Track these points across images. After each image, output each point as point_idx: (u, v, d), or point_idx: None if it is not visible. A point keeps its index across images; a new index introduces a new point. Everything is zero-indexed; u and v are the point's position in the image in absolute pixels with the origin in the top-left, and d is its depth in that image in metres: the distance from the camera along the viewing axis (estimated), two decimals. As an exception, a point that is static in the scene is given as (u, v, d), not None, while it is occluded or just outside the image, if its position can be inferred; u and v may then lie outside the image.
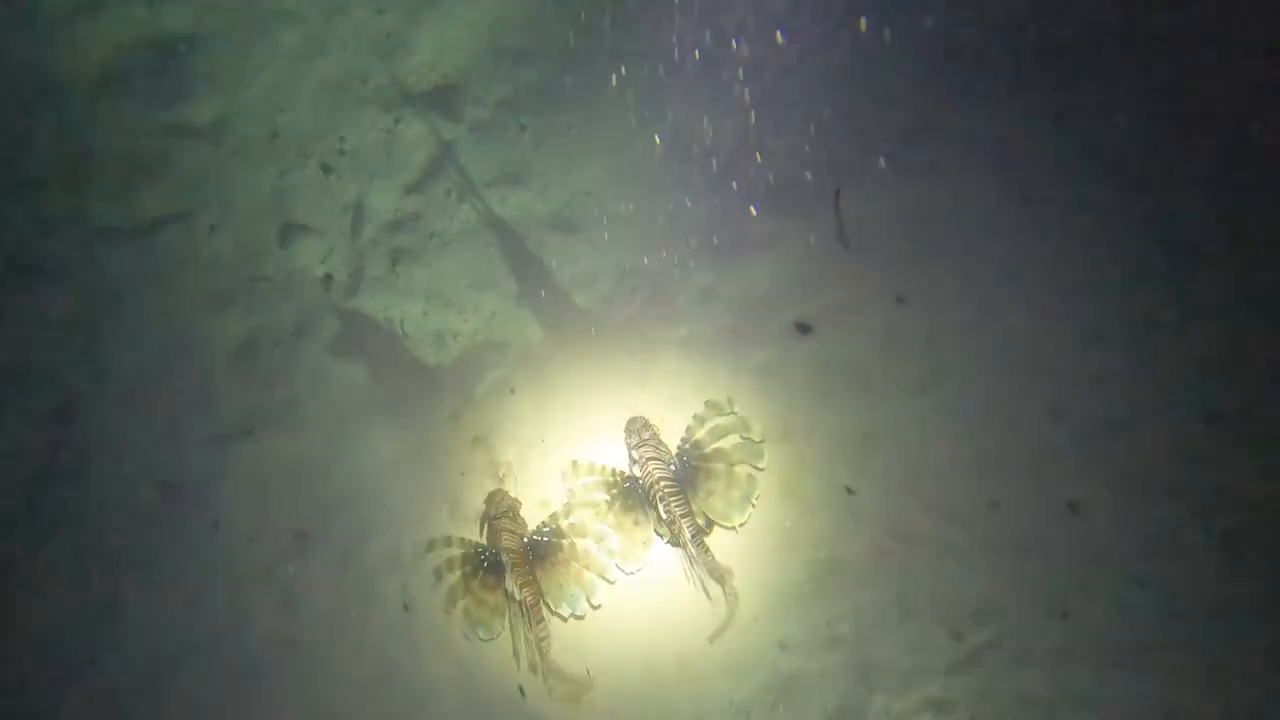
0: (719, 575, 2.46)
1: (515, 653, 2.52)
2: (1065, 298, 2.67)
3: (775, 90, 2.80)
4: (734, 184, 2.76)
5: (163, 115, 2.82)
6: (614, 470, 2.62)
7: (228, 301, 2.84)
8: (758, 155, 2.76)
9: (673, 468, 2.55)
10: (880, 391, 2.65)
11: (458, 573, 2.59)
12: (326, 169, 2.89)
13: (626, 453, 2.63)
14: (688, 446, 2.59)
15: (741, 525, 2.51)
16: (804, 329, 2.72)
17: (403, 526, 2.76)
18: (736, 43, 2.79)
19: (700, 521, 2.50)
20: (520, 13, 2.91)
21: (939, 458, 2.59)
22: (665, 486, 2.51)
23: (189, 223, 2.84)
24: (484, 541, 2.64)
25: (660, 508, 2.52)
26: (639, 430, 2.62)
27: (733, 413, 2.55)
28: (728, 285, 2.79)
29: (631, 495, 2.58)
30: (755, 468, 2.52)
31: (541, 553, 2.59)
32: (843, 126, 2.76)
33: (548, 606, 2.54)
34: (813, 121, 2.76)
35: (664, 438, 2.64)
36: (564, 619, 2.55)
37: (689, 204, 2.80)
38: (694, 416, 2.59)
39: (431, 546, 2.62)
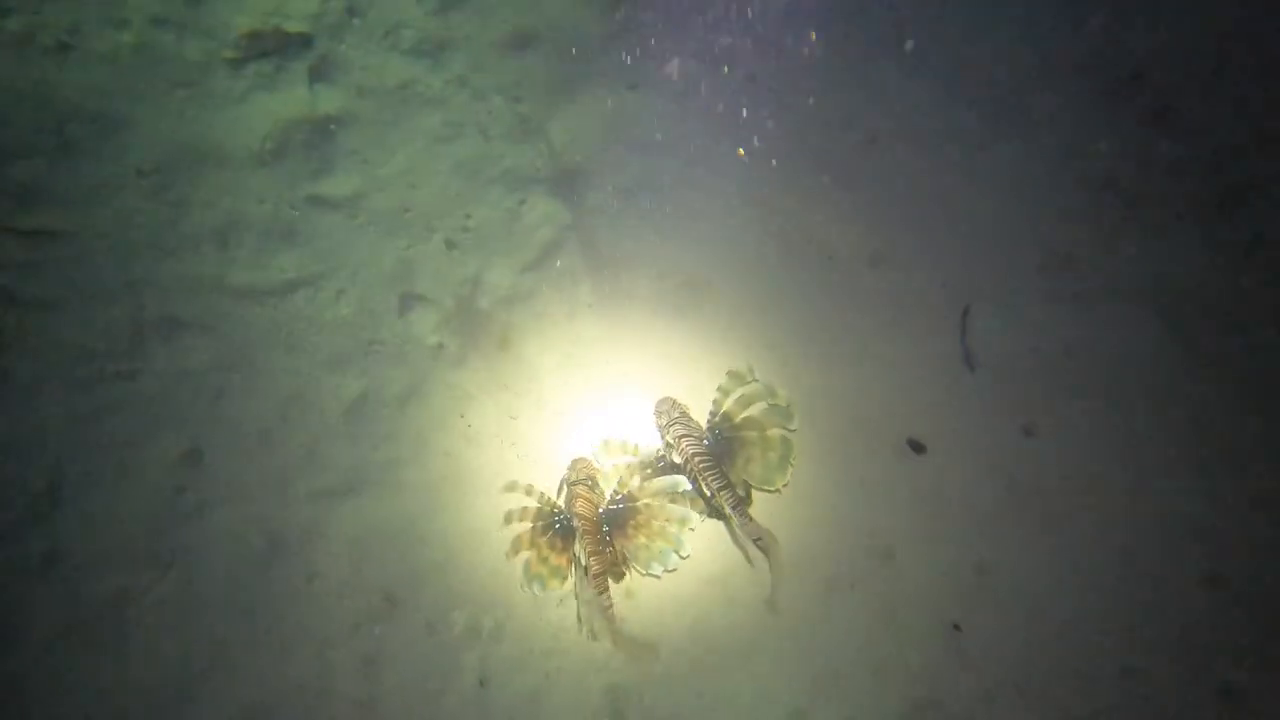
0: (763, 542, 2.45)
1: (578, 618, 2.55)
2: (1230, 458, 2.41)
3: (912, 196, 2.72)
4: (858, 287, 2.68)
5: (307, 186, 3.01)
6: (638, 460, 2.64)
7: (345, 363, 2.97)
8: (887, 263, 2.68)
9: (706, 442, 2.54)
10: (998, 525, 2.46)
11: (528, 524, 2.64)
12: (450, 244, 2.99)
13: (658, 433, 2.64)
14: (717, 419, 2.60)
15: (785, 486, 2.50)
16: (917, 448, 2.56)
17: (487, 601, 2.76)
18: (875, 145, 2.73)
19: (740, 492, 2.50)
20: (648, 108, 2.96)
21: (1062, 606, 2.36)
22: (700, 462, 2.49)
23: (318, 287, 3.00)
24: (560, 504, 2.66)
25: (701, 483, 2.50)
26: (668, 410, 2.63)
27: (755, 380, 2.54)
28: (840, 390, 2.68)
29: (666, 474, 2.60)
30: (788, 429, 2.51)
31: (620, 520, 2.60)
32: (985, 244, 2.63)
33: (615, 574, 2.55)
34: (954, 235, 2.65)
35: (693, 415, 2.63)
36: (658, 577, 2.58)
37: (807, 303, 2.73)
38: (718, 389, 2.58)
39: (511, 488, 2.68)
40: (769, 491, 2.53)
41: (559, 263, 2.95)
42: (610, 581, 2.54)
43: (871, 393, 2.64)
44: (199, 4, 2.96)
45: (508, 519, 2.64)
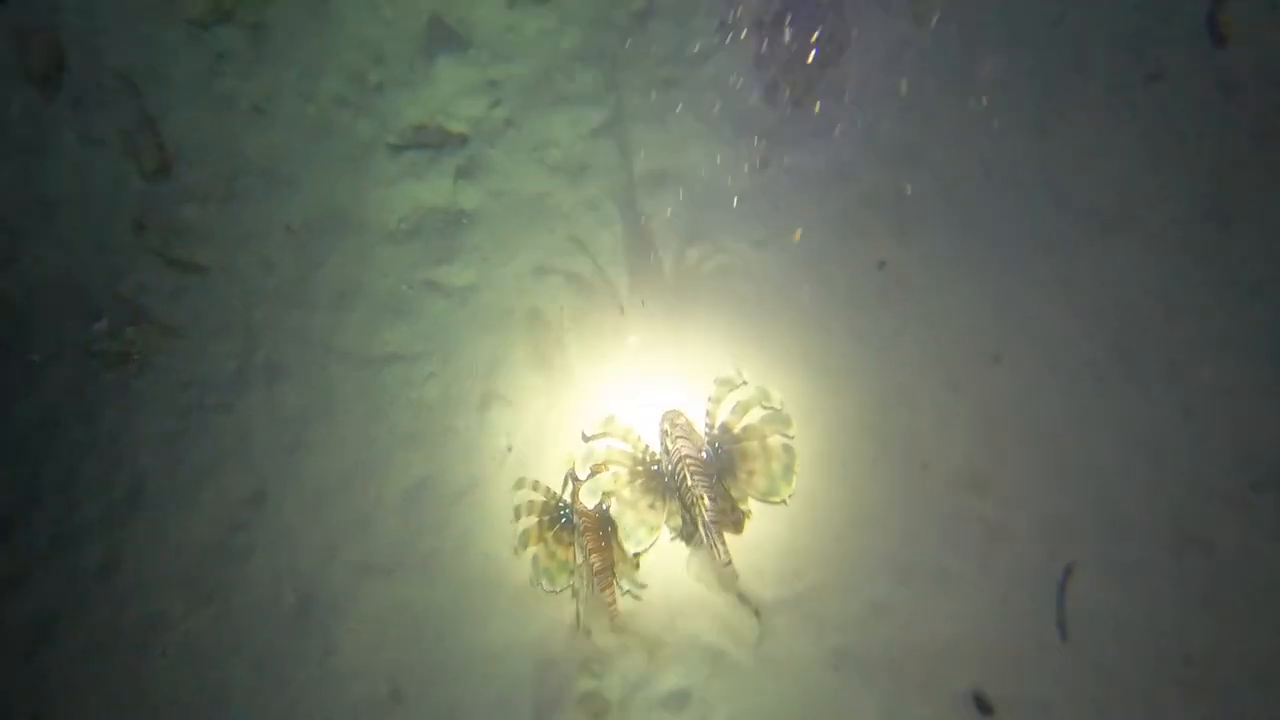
0: (728, 569, 2.40)
1: (577, 615, 2.57)
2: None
3: (1034, 423, 2.54)
4: (948, 509, 2.50)
5: (427, 270, 3.17)
6: (637, 455, 2.52)
7: (417, 443, 3.03)
8: (988, 490, 2.49)
9: (705, 455, 2.45)
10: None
11: (535, 518, 2.65)
12: (542, 355, 3.04)
13: (660, 441, 2.53)
14: (716, 432, 2.47)
15: (791, 496, 2.40)
16: (984, 707, 2.27)
17: (491, 718, 2.66)
18: (999, 364, 2.59)
19: (731, 512, 2.43)
20: (768, 271, 2.98)
21: None
22: (690, 464, 2.39)
23: (412, 365, 3.11)
24: (565, 498, 2.67)
25: (682, 490, 2.41)
26: (673, 418, 2.51)
27: (744, 383, 2.44)
28: (899, 627, 2.46)
29: (656, 479, 2.49)
30: (787, 436, 2.40)
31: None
32: (1107, 498, 2.40)
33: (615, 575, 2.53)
34: (1070, 477, 2.44)
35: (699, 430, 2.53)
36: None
37: (888, 512, 2.57)
38: (709, 399, 2.48)
39: (520, 484, 2.70)
40: (775, 503, 2.42)
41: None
42: (614, 578, 2.55)
43: (940, 629, 2.40)
44: (380, 92, 3.25)
45: (516, 514, 2.66)
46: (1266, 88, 2.61)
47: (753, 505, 2.49)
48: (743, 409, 2.45)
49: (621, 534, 2.42)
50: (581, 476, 2.49)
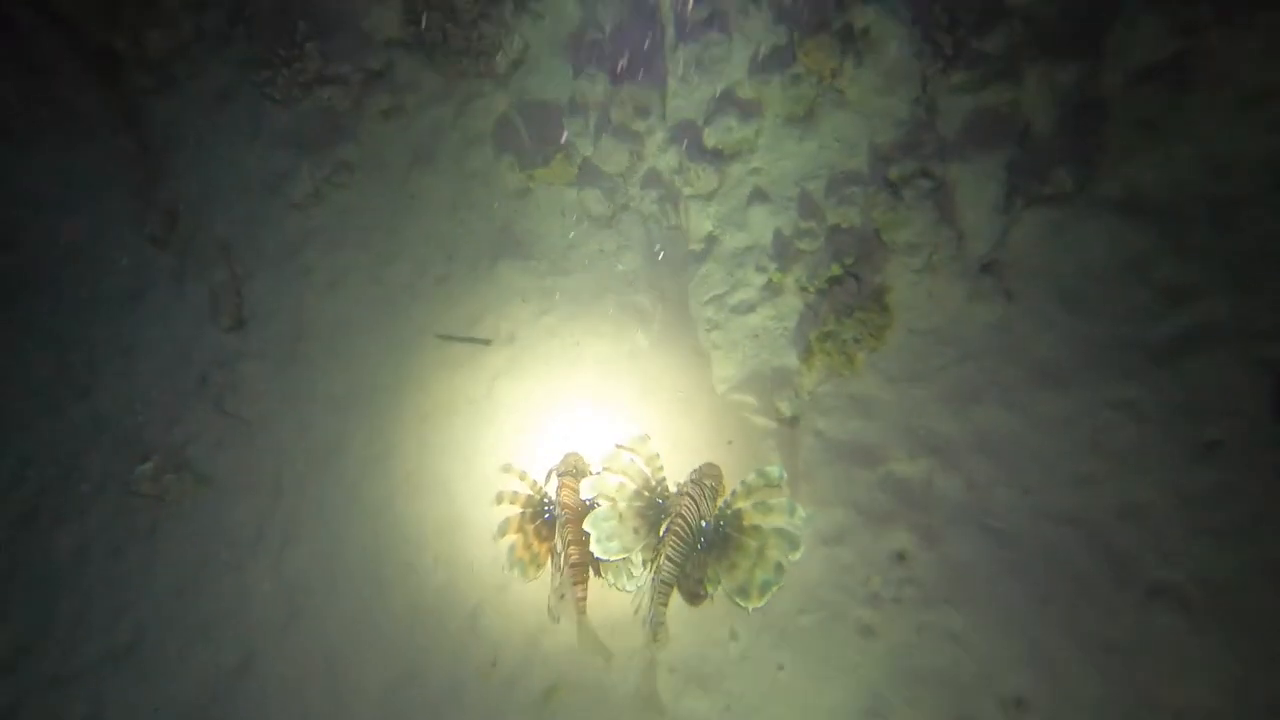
0: (661, 629, 2.43)
1: (549, 607, 2.59)
2: None
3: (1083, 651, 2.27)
4: None
5: (449, 460, 3.25)
6: (650, 481, 2.56)
7: (411, 632, 2.98)
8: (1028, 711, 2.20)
9: (705, 525, 2.46)
10: None
11: (518, 508, 2.68)
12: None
13: (681, 485, 2.54)
14: (728, 512, 2.47)
15: (756, 609, 2.39)
16: None
17: None
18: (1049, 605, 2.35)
19: (696, 584, 2.45)
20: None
21: None
22: (680, 523, 2.41)
23: (417, 552, 3.13)
24: (550, 493, 2.68)
25: (664, 542, 2.42)
26: (704, 475, 2.54)
27: (783, 489, 2.43)
28: None
29: (653, 509, 2.53)
30: (788, 558, 2.37)
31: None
32: None
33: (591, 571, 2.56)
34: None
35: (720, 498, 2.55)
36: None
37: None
38: (743, 482, 2.47)
39: (506, 469, 2.74)
40: (738, 604, 2.36)
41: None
42: (588, 576, 2.56)
43: None
44: (443, 284, 3.45)
45: (499, 499, 2.68)
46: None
47: (720, 595, 2.48)
48: (763, 509, 2.43)
49: (594, 537, 2.46)
50: (595, 470, 2.58)
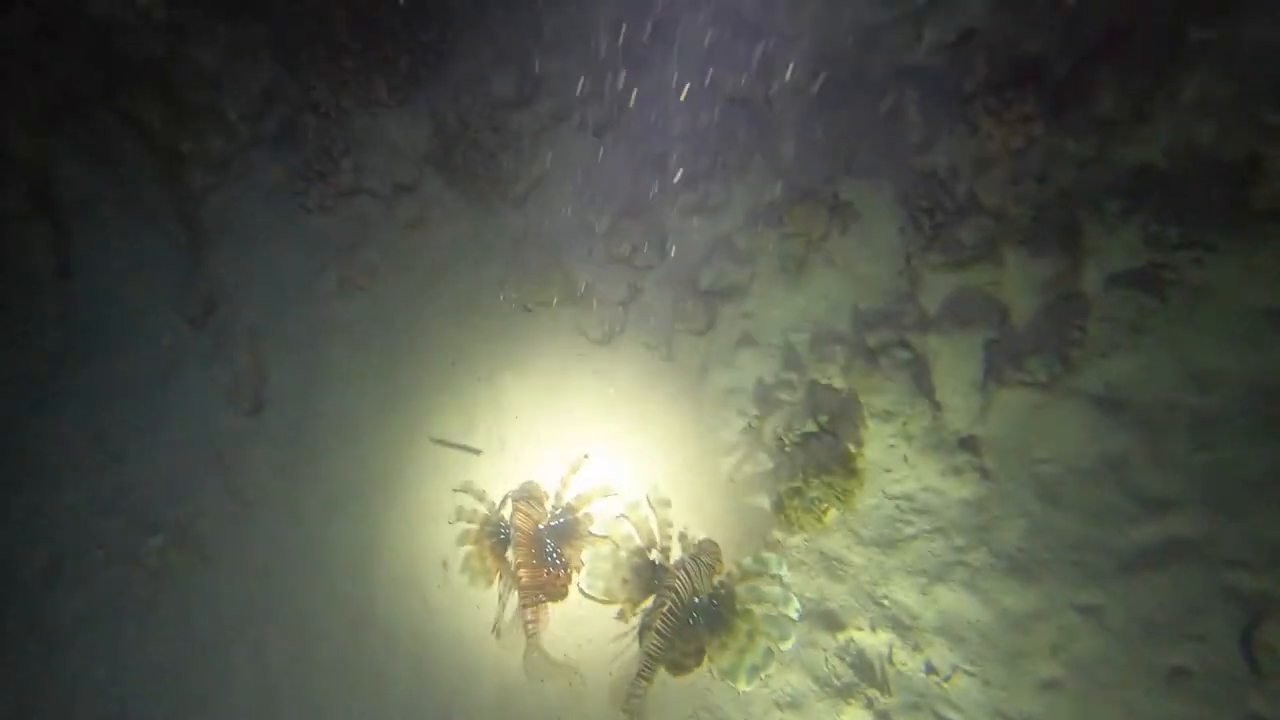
0: (637, 702, 2.42)
1: (494, 625, 2.67)
2: None
3: None
4: None
5: (424, 593, 3.33)
6: (656, 544, 2.60)
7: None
8: None
9: (698, 600, 2.47)
10: None
11: (476, 526, 2.82)
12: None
13: (684, 554, 2.57)
14: (723, 593, 2.46)
15: (744, 692, 2.41)
16: None
17: None
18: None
19: (691, 654, 2.45)
20: None
21: None
22: (672, 595, 2.43)
23: (393, 654, 3.21)
24: (506, 517, 2.77)
25: (656, 613, 2.44)
26: (702, 552, 2.55)
27: (781, 579, 2.42)
28: None
29: (648, 569, 2.56)
30: (779, 646, 2.37)
31: (563, 533, 2.71)
32: None
33: (554, 594, 2.65)
34: None
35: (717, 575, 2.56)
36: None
37: None
38: (744, 565, 2.48)
39: (466, 488, 2.89)
40: (726, 682, 2.38)
41: None
42: (544, 600, 2.63)
43: None
44: (450, 390, 3.60)
45: (459, 514, 2.85)
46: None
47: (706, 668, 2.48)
48: (756, 596, 2.43)
49: (585, 570, 2.59)
50: (617, 492, 2.74)
